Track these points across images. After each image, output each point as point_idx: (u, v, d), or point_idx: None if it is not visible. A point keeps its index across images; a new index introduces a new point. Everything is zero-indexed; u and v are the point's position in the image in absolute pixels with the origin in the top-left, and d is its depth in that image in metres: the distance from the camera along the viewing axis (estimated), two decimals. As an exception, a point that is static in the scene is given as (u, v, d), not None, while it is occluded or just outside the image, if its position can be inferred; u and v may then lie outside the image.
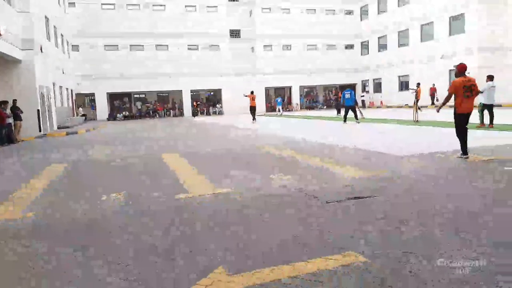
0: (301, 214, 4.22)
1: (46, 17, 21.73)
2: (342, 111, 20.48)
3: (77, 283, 2.83)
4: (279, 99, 34.07)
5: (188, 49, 35.68)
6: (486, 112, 12.32)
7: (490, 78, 12.34)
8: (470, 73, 25.81)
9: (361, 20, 39.11)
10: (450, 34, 28.59)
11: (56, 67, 24.13)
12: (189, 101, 35.97)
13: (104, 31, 33.27)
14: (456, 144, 7.41)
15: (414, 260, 2.88)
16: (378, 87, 37.26)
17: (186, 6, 35.47)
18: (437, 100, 26.82)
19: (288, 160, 7.98)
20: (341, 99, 18.58)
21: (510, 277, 2.57)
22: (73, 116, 30.21)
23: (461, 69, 7.07)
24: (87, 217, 4.52)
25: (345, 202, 4.55)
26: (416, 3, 31.38)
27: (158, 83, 34.81)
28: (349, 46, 39.85)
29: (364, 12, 38.70)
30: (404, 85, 33.07)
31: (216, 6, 36.14)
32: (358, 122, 16.29)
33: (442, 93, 24.79)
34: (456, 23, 28.14)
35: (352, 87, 18.33)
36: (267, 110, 37.47)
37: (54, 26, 24.39)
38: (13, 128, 15.43)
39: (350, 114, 16.89)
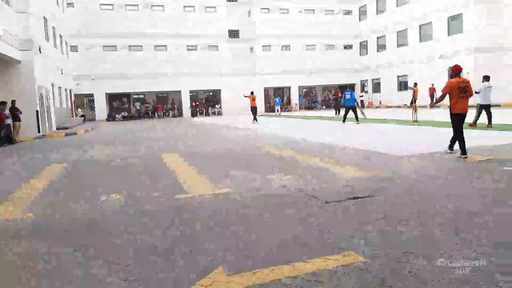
0: (301, 214, 4.22)
1: (44, 17, 21.72)
2: (342, 111, 20.49)
3: (77, 283, 2.83)
4: (277, 99, 34.11)
5: (187, 49, 35.68)
6: (483, 113, 12.32)
7: (486, 78, 12.41)
8: (469, 73, 25.97)
9: (360, 20, 39.15)
10: (449, 34, 28.62)
11: (55, 67, 24.12)
12: (188, 102, 35.96)
13: (103, 31, 33.25)
14: (456, 144, 7.47)
15: (414, 260, 2.88)
16: (377, 87, 37.29)
17: (185, 6, 35.47)
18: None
19: (288, 160, 7.99)
20: (342, 100, 18.59)
21: (510, 277, 2.58)
22: (72, 116, 30.20)
23: (456, 71, 7.22)
24: (87, 217, 4.52)
25: (345, 202, 4.55)
26: (415, 3, 31.41)
27: (157, 83, 34.80)
28: (348, 46, 39.88)
29: (363, 12, 38.73)
30: (403, 85, 33.11)
31: (215, 7, 36.14)
32: (358, 123, 16.29)
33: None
34: (455, 23, 28.18)
35: (352, 87, 18.31)
36: (267, 110, 37.48)
37: (53, 27, 24.37)
38: (12, 128, 15.41)
39: (351, 114, 16.87)
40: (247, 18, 37.91)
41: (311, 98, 40.99)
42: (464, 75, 26.13)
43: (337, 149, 9.22)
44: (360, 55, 39.40)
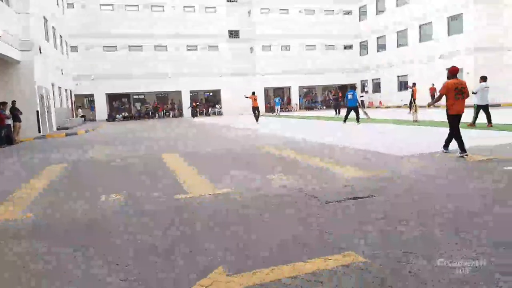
0: (301, 214, 4.22)
1: (44, 17, 21.72)
2: (342, 111, 20.48)
3: (77, 283, 2.83)
4: (277, 100, 34.11)
5: (187, 49, 35.70)
6: (481, 113, 12.33)
7: (484, 79, 12.46)
8: (469, 73, 25.94)
9: (360, 20, 39.16)
10: (449, 34, 28.64)
11: (55, 68, 24.13)
12: (188, 102, 35.96)
13: (103, 31, 33.27)
14: (456, 144, 7.48)
15: (414, 260, 2.88)
16: (377, 87, 37.30)
17: (185, 6, 35.49)
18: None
19: (288, 160, 7.98)
20: (345, 100, 18.58)
21: (510, 277, 2.58)
22: (72, 117, 30.20)
23: (452, 72, 7.35)
24: (87, 217, 4.52)
25: (345, 202, 4.55)
26: (415, 3, 31.42)
27: (158, 83, 34.82)
28: (348, 46, 39.90)
29: (363, 12, 38.75)
30: (403, 85, 33.13)
31: (215, 7, 36.16)
32: (358, 123, 16.28)
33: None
34: (455, 23, 28.19)
35: (353, 87, 18.29)
36: (267, 111, 37.49)
37: (53, 27, 24.38)
38: (12, 129, 15.42)
39: (352, 114, 16.84)
40: (247, 18, 37.92)
41: (311, 98, 41.00)
42: (464, 75, 26.27)
43: (337, 149, 9.21)
44: (360, 55, 39.41)
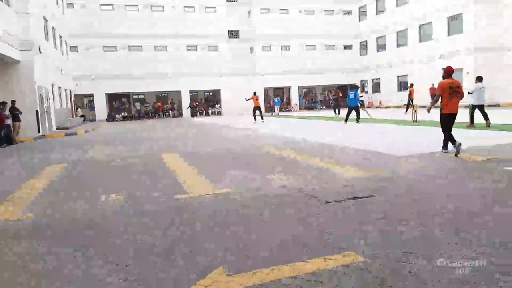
0: (301, 214, 4.22)
1: (44, 17, 21.72)
2: (342, 111, 20.46)
3: (77, 283, 2.83)
4: (277, 100, 34.10)
5: (187, 49, 35.68)
6: (477, 113, 12.35)
7: (479, 79, 12.50)
8: (469, 73, 25.95)
9: (359, 20, 39.15)
10: (449, 34, 28.64)
11: (55, 67, 24.12)
12: (188, 102, 35.94)
13: (103, 31, 33.25)
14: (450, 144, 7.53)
15: (414, 260, 2.88)
16: (377, 87, 37.30)
17: (185, 6, 35.47)
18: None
19: (288, 160, 7.98)
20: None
21: (510, 277, 2.58)
22: (72, 116, 30.20)
23: (448, 72, 7.49)
24: (87, 217, 4.52)
25: (345, 202, 4.55)
26: (415, 3, 31.41)
27: (157, 83, 34.81)
28: (348, 46, 39.89)
29: (362, 12, 38.74)
30: (403, 85, 33.13)
31: (215, 7, 36.15)
32: (358, 123, 16.29)
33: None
34: (455, 23, 28.19)
35: (355, 87, 18.31)
36: (266, 110, 37.48)
37: (53, 27, 24.38)
38: (12, 129, 15.41)
39: (353, 114, 16.83)
40: (247, 18, 37.93)
41: (311, 98, 40.99)
42: (464, 75, 26.28)
43: (337, 149, 9.21)
44: (360, 55, 39.40)
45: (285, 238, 3.50)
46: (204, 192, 5.37)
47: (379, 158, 7.58)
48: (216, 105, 38.19)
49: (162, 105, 37.88)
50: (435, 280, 2.56)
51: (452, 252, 2.99)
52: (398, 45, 33.86)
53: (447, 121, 7.39)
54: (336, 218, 4.04)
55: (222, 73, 36.16)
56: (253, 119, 21.87)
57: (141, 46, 34.59)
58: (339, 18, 39.16)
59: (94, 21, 33.16)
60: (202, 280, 2.74)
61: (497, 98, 25.57)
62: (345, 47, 39.78)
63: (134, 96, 37.56)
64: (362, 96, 36.42)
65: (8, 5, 16.85)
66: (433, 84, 28.13)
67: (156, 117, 36.51)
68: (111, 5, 33.81)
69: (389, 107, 33.19)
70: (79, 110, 34.03)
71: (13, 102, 15.91)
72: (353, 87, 18.26)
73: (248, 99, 22.60)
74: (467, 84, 23.00)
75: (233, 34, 37.56)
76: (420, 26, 31.28)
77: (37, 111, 17.95)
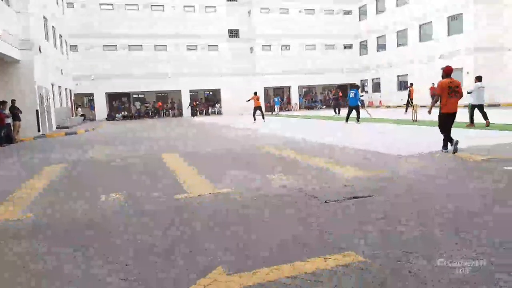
0: (301, 214, 4.22)
1: (44, 17, 21.71)
2: (342, 111, 20.45)
3: (77, 283, 2.83)
4: (277, 99, 34.09)
5: (187, 49, 35.67)
6: (477, 113, 12.35)
7: (479, 79, 12.50)
8: (469, 72, 25.93)
9: (359, 20, 39.15)
10: (449, 34, 28.64)
11: (55, 67, 24.11)
12: (188, 101, 35.93)
13: (103, 31, 33.23)
14: (456, 144, 7.52)
15: (414, 260, 2.88)
16: (377, 87, 37.30)
17: (185, 6, 35.46)
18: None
19: (288, 160, 7.98)
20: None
21: (510, 277, 2.58)
22: (72, 116, 30.19)
23: (447, 71, 7.56)
24: (87, 217, 4.52)
25: (345, 202, 4.55)
26: (415, 3, 31.41)
27: (158, 83, 34.80)
28: (348, 46, 39.89)
29: (362, 12, 38.74)
30: (403, 85, 33.14)
31: (215, 7, 36.13)
32: (359, 123, 16.28)
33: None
34: (455, 23, 28.19)
35: (356, 86, 18.30)
36: (267, 110, 37.47)
37: (53, 27, 24.37)
38: (12, 128, 15.42)
39: (353, 114, 16.83)
40: (247, 18, 37.92)
41: (311, 98, 40.99)
42: (464, 75, 26.28)
43: (337, 149, 9.21)
44: (360, 55, 39.40)
45: (285, 238, 3.50)
46: (204, 192, 5.37)
47: (379, 158, 7.58)
48: (216, 105, 38.18)
49: (162, 104, 37.87)
50: (435, 280, 2.56)
51: (452, 252, 2.99)
52: (398, 45, 33.87)
53: (446, 121, 7.43)
54: (336, 218, 4.04)
55: (222, 73, 36.14)
56: (253, 119, 21.86)
57: (141, 46, 34.58)
58: (339, 18, 39.16)
59: (94, 21, 33.15)
60: (202, 279, 2.74)
61: (497, 98, 25.57)
62: (345, 47, 39.78)
63: (134, 96, 37.55)
64: (362, 95, 36.44)
65: (8, 5, 16.85)
66: (433, 84, 28.12)
67: (156, 116, 36.51)
68: (111, 4, 33.79)
69: (389, 106, 33.18)
70: (79, 109, 34.02)
71: (13, 101, 15.92)
72: (354, 86, 18.24)
73: (249, 100, 22.59)
74: (467, 84, 23.01)
75: (233, 33, 37.55)
76: (420, 26, 31.29)
77: (37, 111, 17.95)
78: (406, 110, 22.49)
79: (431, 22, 30.06)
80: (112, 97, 36.62)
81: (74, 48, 32.96)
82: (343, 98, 30.33)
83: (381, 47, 36.48)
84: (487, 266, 2.73)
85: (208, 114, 37.30)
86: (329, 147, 9.49)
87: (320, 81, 39.10)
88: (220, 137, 14.27)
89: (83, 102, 37.08)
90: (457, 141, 7.24)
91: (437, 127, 7.82)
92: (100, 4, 33.61)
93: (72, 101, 31.83)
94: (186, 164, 7.91)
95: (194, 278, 2.77)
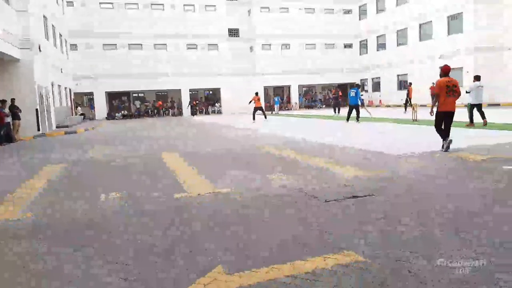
0: (301, 214, 4.22)
1: (44, 16, 21.70)
2: (342, 110, 20.44)
3: (77, 283, 2.83)
4: (277, 99, 34.10)
5: (187, 48, 35.66)
6: (477, 113, 12.36)
7: (477, 78, 12.51)
8: (468, 72, 25.93)
9: (360, 19, 39.14)
10: (449, 34, 28.64)
11: (55, 66, 24.10)
12: (188, 100, 35.90)
13: (103, 30, 33.20)
14: (456, 144, 7.54)
15: (414, 260, 2.88)
16: (377, 86, 37.31)
17: (185, 5, 35.45)
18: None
19: (288, 160, 7.98)
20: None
21: (510, 277, 2.58)
22: (72, 115, 30.18)
23: (445, 71, 7.63)
24: (87, 217, 4.52)
25: (345, 202, 4.55)
26: (415, 3, 31.41)
27: (157, 82, 34.78)
28: (348, 46, 39.89)
29: (363, 11, 38.74)
30: (403, 85, 33.15)
31: (215, 6, 36.12)
32: (359, 122, 16.28)
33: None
34: (455, 22, 28.19)
35: (356, 85, 18.30)
36: (266, 109, 37.44)
37: (53, 26, 24.36)
38: (11, 127, 15.41)
39: (354, 113, 16.82)
40: (247, 17, 37.89)
41: (311, 97, 40.99)
42: (464, 74, 26.27)
43: (337, 149, 9.21)
44: (360, 54, 39.40)
45: (285, 238, 3.50)
46: (204, 192, 5.37)
47: (379, 158, 7.58)
48: (216, 104, 38.16)
49: (162, 103, 37.85)
50: (435, 280, 2.56)
51: (452, 252, 2.99)
52: (398, 44, 33.87)
53: (443, 120, 7.43)
54: (336, 218, 4.04)
55: (222, 72, 36.13)
56: (252, 118, 21.86)
57: (141, 45, 34.57)
58: (339, 17, 39.15)
59: (94, 20, 33.12)
60: (201, 278, 2.74)
61: (497, 98, 25.57)
62: (345, 46, 39.78)
63: (134, 95, 37.54)
64: (362, 95, 36.45)
65: (8, 4, 16.83)
66: (433, 83, 28.04)
67: (156, 115, 36.50)
68: (111, 3, 33.77)
69: (389, 106, 33.18)
70: (79, 108, 34.00)
71: (12, 100, 15.91)
72: (355, 85, 18.24)
73: (251, 102, 22.58)
74: (467, 83, 22.99)
75: (233, 33, 37.53)
76: (420, 26, 31.29)
77: (37, 110, 17.94)
78: (405, 109, 22.50)
79: (431, 21, 30.06)
80: (112, 96, 36.61)
81: (74, 47, 32.95)
82: (343, 97, 30.31)
83: (381, 46, 36.48)
84: (487, 266, 2.73)
85: (208, 113, 37.29)
86: (329, 147, 9.49)
87: (320, 80, 39.09)
88: (220, 136, 14.27)
89: (83, 101, 37.07)
90: (450, 140, 7.26)
91: (437, 127, 7.82)
92: (100, 3, 33.59)
93: (72, 100, 31.81)
94: (186, 164, 7.91)
95: (194, 278, 2.77)
